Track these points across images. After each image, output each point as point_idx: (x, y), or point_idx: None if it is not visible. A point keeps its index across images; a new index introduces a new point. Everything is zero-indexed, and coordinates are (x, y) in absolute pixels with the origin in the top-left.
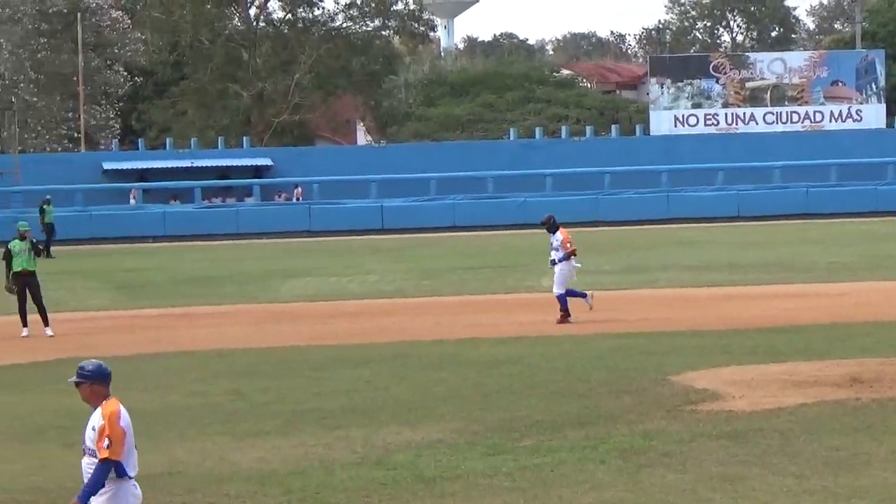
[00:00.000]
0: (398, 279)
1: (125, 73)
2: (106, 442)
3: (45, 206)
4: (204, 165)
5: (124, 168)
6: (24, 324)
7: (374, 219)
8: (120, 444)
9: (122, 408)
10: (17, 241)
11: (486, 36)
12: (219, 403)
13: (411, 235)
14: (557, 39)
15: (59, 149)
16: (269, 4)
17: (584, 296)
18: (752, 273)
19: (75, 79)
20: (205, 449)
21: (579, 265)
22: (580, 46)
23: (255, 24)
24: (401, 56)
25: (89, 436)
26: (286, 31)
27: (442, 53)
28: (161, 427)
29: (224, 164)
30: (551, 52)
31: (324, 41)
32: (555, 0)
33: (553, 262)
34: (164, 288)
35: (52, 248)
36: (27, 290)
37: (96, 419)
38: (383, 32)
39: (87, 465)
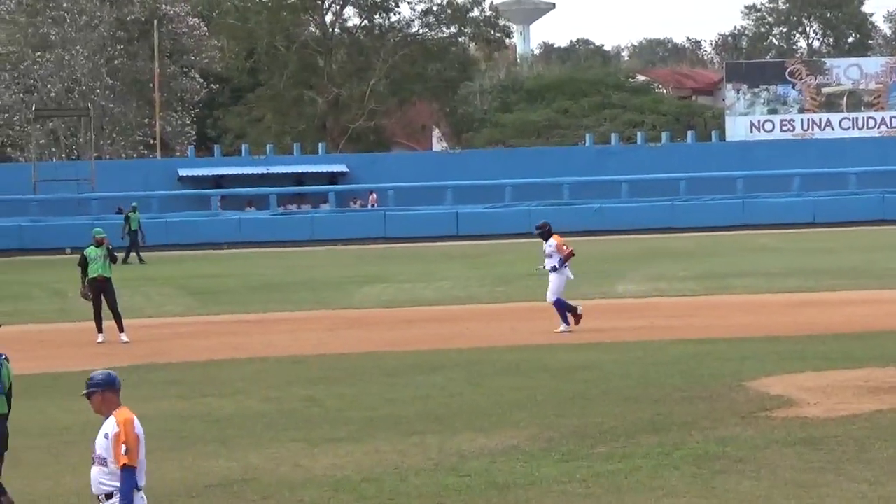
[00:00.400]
0: (472, 285)
1: (201, 80)
2: (123, 448)
3: (130, 213)
4: (279, 172)
5: (200, 174)
6: (100, 330)
7: (449, 225)
8: (136, 451)
9: (135, 417)
10: (92, 247)
11: (562, 42)
12: (293, 409)
13: (486, 242)
14: (633, 45)
15: (135, 155)
16: (344, 11)
17: (574, 309)
18: (827, 279)
19: (151, 85)
20: (279, 455)
21: (572, 277)
22: (656, 52)
23: (330, 30)
24: (476, 62)
25: (101, 444)
26: (362, 37)
27: (518, 59)
28: (235, 433)
29: (299, 171)
30: (627, 58)
31: (399, 47)
32: (631, 6)
33: (553, 269)
34: (239, 294)
35: (141, 254)
36: (102, 297)
37: (110, 426)
38: (459, 39)
39: (100, 475)
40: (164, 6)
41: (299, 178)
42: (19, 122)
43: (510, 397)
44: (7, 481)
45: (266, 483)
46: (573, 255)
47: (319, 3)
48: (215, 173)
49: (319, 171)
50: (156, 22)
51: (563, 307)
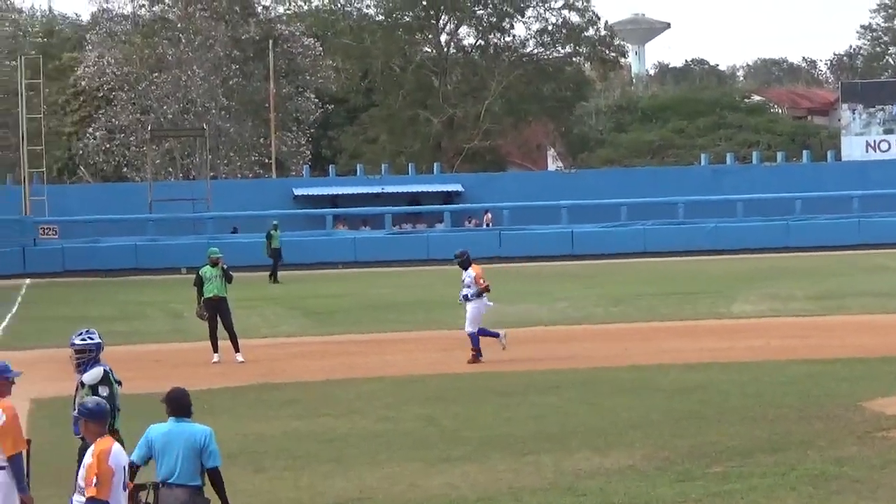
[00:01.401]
0: (588, 305)
1: (316, 100)
2: (94, 480)
3: (272, 232)
4: (394, 191)
5: (315, 194)
6: (215, 349)
7: (565, 244)
8: (106, 484)
9: (115, 447)
10: (208, 266)
11: (677, 62)
12: (409, 429)
13: (601, 261)
14: (748, 65)
15: (251, 175)
16: (460, 31)
17: (496, 335)
18: None
19: (267, 105)
20: (394, 474)
21: (491, 304)
22: (771, 72)
23: (445, 50)
24: (591, 82)
25: (81, 473)
26: (477, 57)
27: (633, 79)
28: (351, 452)
29: (414, 190)
30: (742, 78)
31: (515, 67)
32: (746, 26)
33: (465, 298)
34: (354, 314)
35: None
36: (218, 316)
37: (87, 456)
38: (574, 58)
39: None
40: (279, 26)
41: (414, 198)
42: (136, 142)
43: (625, 417)
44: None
45: (381, 502)
46: (488, 290)
47: (435, 22)
48: (330, 193)
49: (434, 190)
50: (271, 42)
51: (478, 338)
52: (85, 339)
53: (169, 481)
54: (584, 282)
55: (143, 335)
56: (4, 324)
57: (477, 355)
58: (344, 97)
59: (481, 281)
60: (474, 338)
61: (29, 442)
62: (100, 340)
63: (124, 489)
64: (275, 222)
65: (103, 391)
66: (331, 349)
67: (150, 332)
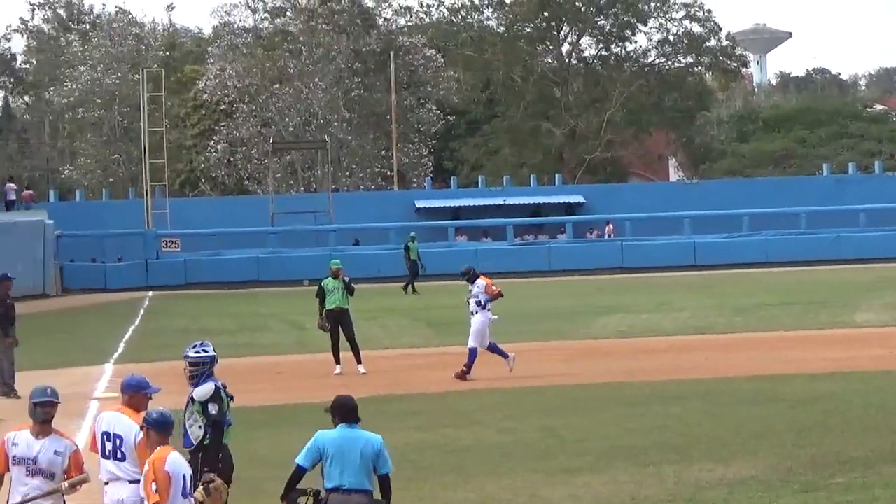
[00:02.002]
0: (710, 315)
1: (438, 111)
2: (154, 487)
3: (409, 244)
4: (516, 203)
5: (437, 206)
6: (337, 361)
7: (686, 255)
8: (166, 491)
9: (171, 456)
10: (330, 278)
11: (798, 71)
12: (530, 440)
13: (723, 271)
14: (870, 74)
15: (373, 187)
16: (581, 41)
17: (506, 356)
18: None
19: (388, 117)
20: (516, 485)
21: (496, 318)
22: (893, 81)
23: (567, 60)
24: (713, 92)
25: (140, 484)
26: (598, 67)
27: (755, 89)
28: (473, 463)
29: (536, 202)
30: (864, 87)
31: (636, 77)
32: (868, 35)
33: (479, 304)
34: None
35: (415, 284)
36: (340, 328)
37: (145, 466)
38: (696, 68)
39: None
40: (400, 38)
41: (536, 209)
42: (257, 154)
43: (748, 427)
44: None
45: None
46: (501, 295)
47: (556, 33)
48: (452, 205)
49: (556, 201)
50: (392, 54)
51: (475, 356)
52: (199, 352)
53: (345, 487)
54: (706, 292)
55: (265, 347)
56: (127, 336)
57: (466, 373)
58: (465, 108)
59: (493, 288)
60: (472, 354)
61: None
62: (214, 354)
63: (184, 496)
64: (412, 234)
65: (212, 409)
66: (452, 360)
67: (272, 344)
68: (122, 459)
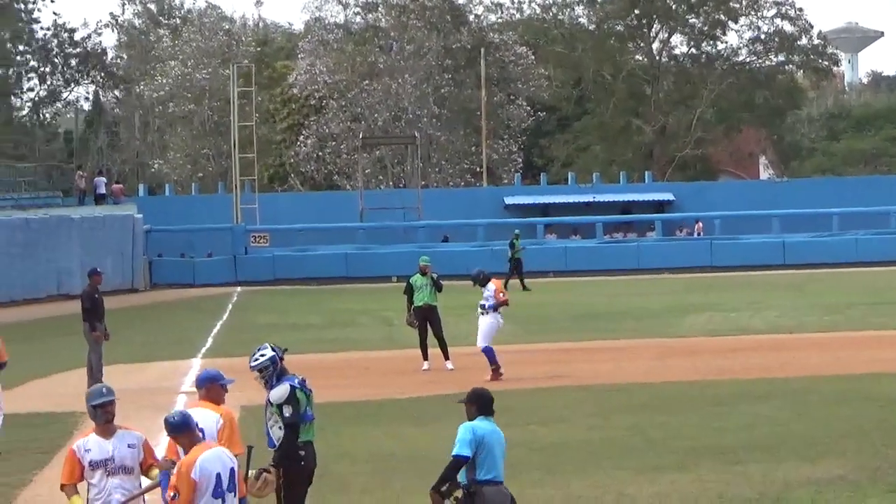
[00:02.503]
0: (799, 314)
1: (528, 108)
2: (172, 493)
3: (514, 241)
4: (606, 200)
5: (526, 203)
6: (425, 357)
7: (776, 254)
8: (186, 496)
9: (201, 458)
10: (418, 275)
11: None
12: (617, 438)
13: (813, 270)
14: None
15: (462, 183)
16: (672, 39)
17: (495, 366)
18: None
19: (478, 113)
20: (603, 483)
21: (502, 322)
22: None
23: (657, 58)
24: (804, 90)
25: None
26: (689, 65)
27: (846, 88)
28: (558, 461)
29: (626, 199)
30: None
31: (727, 75)
32: None
33: (482, 308)
34: (564, 322)
35: (525, 281)
36: (428, 324)
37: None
38: (787, 67)
39: None
40: (491, 34)
41: (626, 207)
42: (346, 150)
43: (836, 427)
44: None
45: None
46: (506, 303)
47: (646, 31)
48: (542, 202)
49: (646, 199)
50: (483, 50)
51: (493, 353)
52: (257, 359)
53: (498, 479)
54: (796, 291)
55: (354, 343)
56: (215, 331)
57: (497, 370)
58: (555, 105)
59: (500, 294)
60: (489, 353)
61: (250, 448)
62: (273, 353)
63: (216, 497)
64: (517, 231)
65: (287, 411)
66: (540, 357)
67: (361, 340)
68: None
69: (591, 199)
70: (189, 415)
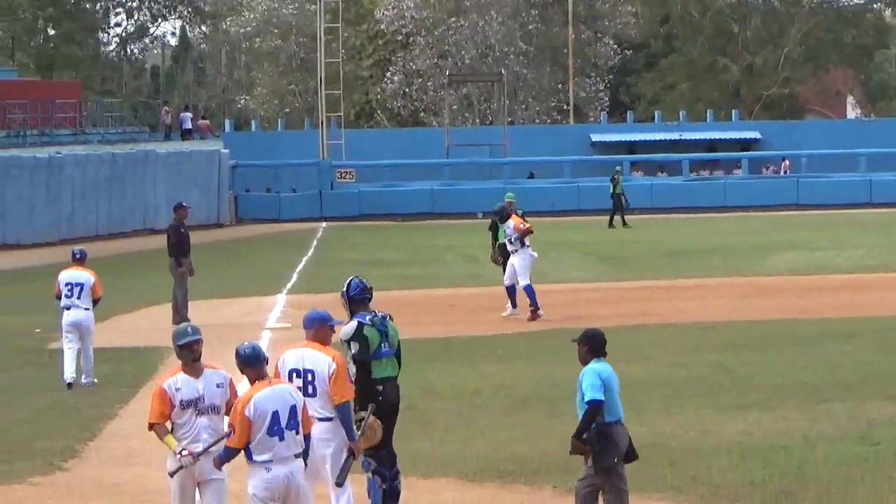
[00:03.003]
0: (884, 253)
1: (615, 46)
2: (229, 430)
3: (616, 177)
4: (692, 138)
5: (612, 140)
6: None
7: (862, 193)
8: (241, 433)
9: (258, 396)
10: None
11: None
12: (702, 376)
13: None
14: None
15: (548, 120)
16: None
17: (514, 305)
18: None
19: (565, 51)
20: (687, 421)
21: (535, 255)
22: None
23: None
24: (892, 29)
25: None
26: (776, 4)
27: None
28: (644, 398)
29: (712, 137)
30: None
31: (814, 13)
32: None
33: (509, 241)
34: (649, 260)
35: (626, 217)
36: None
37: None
38: (875, 5)
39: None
40: None
41: (712, 145)
42: (433, 86)
43: None
44: (417, 442)
45: (673, 448)
46: (531, 231)
47: None
48: (628, 139)
49: (732, 137)
50: None
51: (533, 291)
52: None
53: (621, 419)
54: (881, 230)
55: (439, 279)
56: (300, 267)
57: (536, 310)
58: (643, 43)
59: (521, 226)
60: (529, 290)
61: (373, 407)
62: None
63: (271, 435)
64: (618, 167)
65: (353, 347)
66: (625, 295)
67: (446, 277)
68: (313, 395)
69: (678, 137)
70: (260, 349)
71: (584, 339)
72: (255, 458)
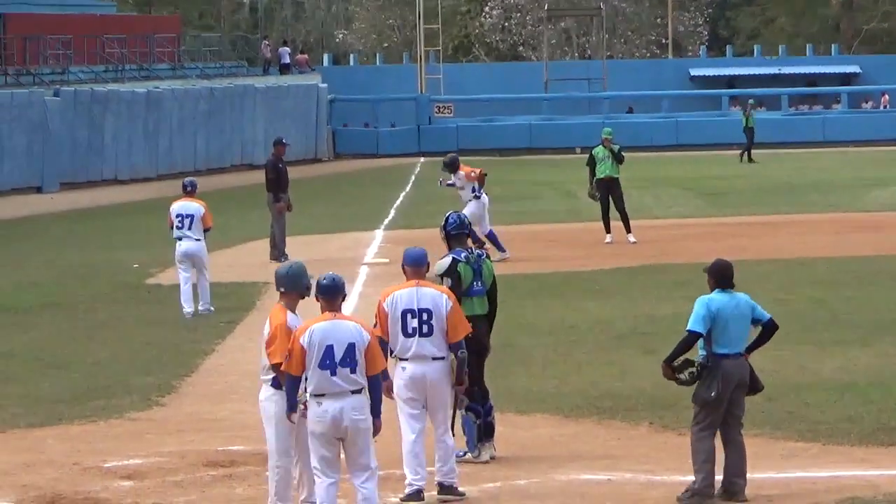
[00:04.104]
0: None
1: None
2: (287, 355)
3: (749, 110)
4: (791, 73)
5: (711, 75)
6: (607, 230)
7: None
8: (296, 361)
9: (314, 327)
10: (600, 147)
11: None
12: (800, 311)
13: None
14: None
15: (647, 55)
16: None
17: (502, 250)
18: None
19: None
20: (784, 357)
21: (487, 198)
22: None
23: None
24: None
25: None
26: None
27: None
28: None
29: (812, 72)
30: None
31: None
32: None
33: (466, 189)
34: (748, 196)
35: (752, 153)
36: (610, 197)
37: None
38: None
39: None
40: None
41: (811, 80)
42: (532, 21)
43: None
44: (514, 378)
45: (771, 384)
46: (485, 174)
47: None
48: (727, 73)
49: (832, 72)
50: None
51: (495, 236)
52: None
53: (735, 352)
54: None
55: (537, 215)
56: (398, 203)
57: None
58: None
59: (472, 174)
60: (491, 236)
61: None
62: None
63: (322, 368)
64: (751, 101)
65: (446, 283)
66: (723, 231)
67: (544, 212)
68: (430, 334)
69: (777, 72)
70: (340, 283)
71: (710, 270)
72: (309, 390)
